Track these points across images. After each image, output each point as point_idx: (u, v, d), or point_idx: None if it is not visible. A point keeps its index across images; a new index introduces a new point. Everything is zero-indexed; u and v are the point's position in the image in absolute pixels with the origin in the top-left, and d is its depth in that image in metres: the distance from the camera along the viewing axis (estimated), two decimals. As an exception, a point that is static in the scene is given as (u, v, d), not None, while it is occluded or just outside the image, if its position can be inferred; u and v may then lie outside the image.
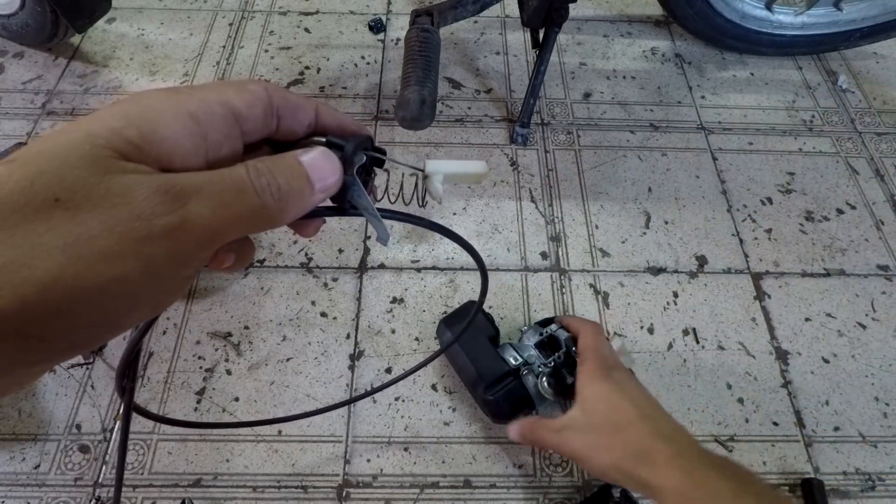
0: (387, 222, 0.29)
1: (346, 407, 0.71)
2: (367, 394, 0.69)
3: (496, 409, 0.60)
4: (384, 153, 0.29)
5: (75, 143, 0.19)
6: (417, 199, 0.30)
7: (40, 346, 0.18)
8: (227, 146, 0.23)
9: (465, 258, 0.84)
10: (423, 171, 0.30)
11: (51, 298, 0.17)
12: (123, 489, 0.65)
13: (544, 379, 0.59)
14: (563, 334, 0.62)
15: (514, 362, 0.61)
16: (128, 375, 0.33)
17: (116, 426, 0.69)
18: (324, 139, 0.27)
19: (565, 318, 0.63)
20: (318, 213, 0.27)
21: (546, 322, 0.66)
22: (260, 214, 0.22)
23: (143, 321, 0.24)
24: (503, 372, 0.60)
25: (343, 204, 0.27)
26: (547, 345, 0.63)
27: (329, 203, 0.27)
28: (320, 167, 0.24)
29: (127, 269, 0.18)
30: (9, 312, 0.17)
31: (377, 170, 0.30)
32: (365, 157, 0.27)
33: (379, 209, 0.28)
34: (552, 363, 0.59)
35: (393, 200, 0.31)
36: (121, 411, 0.70)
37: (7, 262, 0.17)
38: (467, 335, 0.62)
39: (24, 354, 0.18)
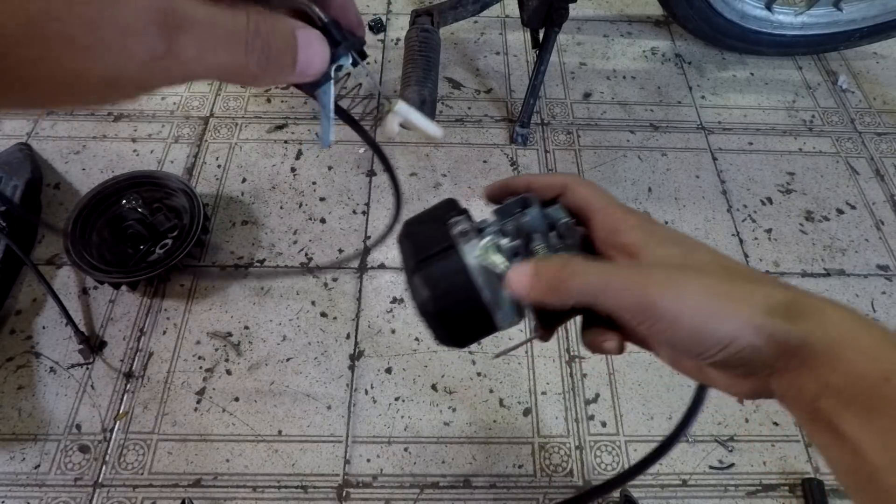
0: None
1: (347, 407, 0.71)
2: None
3: (423, 304, 0.28)
4: (366, 62, 0.29)
5: None
6: (374, 120, 0.30)
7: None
8: None
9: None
10: (390, 104, 0.30)
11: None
12: (123, 489, 0.65)
13: (496, 239, 0.28)
14: (533, 199, 0.30)
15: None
16: None
17: (116, 426, 0.69)
18: (319, 12, 0.25)
19: (530, 178, 0.32)
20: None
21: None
22: (238, 73, 0.21)
23: (101, 102, 0.22)
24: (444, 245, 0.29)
25: (308, 90, 0.27)
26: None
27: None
28: (312, 52, 0.23)
29: (92, 64, 0.17)
30: None
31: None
32: (350, 60, 0.26)
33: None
34: (516, 220, 0.29)
35: (348, 107, 0.31)
36: (120, 410, 0.70)
37: None
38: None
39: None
